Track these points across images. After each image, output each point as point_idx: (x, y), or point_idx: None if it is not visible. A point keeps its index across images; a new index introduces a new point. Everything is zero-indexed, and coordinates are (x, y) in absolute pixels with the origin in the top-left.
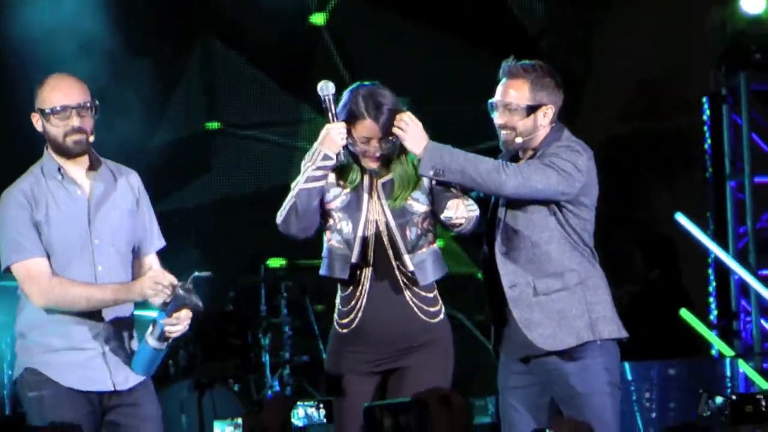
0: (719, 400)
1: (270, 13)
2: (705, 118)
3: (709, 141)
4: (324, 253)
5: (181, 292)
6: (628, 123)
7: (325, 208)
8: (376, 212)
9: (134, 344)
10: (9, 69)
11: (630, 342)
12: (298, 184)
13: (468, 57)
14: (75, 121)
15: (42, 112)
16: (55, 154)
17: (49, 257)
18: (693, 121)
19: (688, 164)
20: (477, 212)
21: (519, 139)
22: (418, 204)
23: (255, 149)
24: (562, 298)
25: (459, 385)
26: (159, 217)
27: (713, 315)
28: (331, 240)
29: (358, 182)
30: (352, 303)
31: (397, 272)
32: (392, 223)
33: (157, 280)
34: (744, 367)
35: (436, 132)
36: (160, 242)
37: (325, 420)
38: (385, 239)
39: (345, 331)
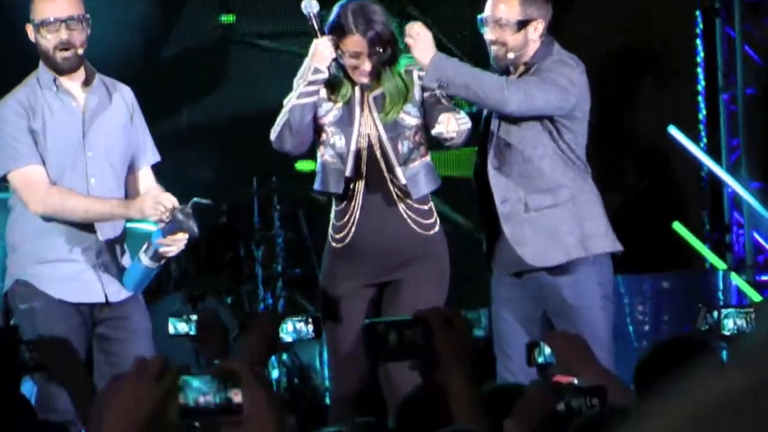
0: (717, 314)
1: None
2: (698, 30)
3: (701, 54)
4: (317, 168)
5: (179, 215)
6: (620, 36)
7: (318, 123)
8: (368, 126)
9: (125, 260)
10: None
11: (623, 255)
12: (290, 101)
13: None
14: (64, 35)
15: (34, 23)
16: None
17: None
18: (685, 33)
19: (680, 77)
20: (468, 125)
21: (510, 55)
22: (410, 117)
23: (274, 60)
24: (553, 214)
25: (453, 297)
26: (175, 132)
27: (706, 228)
28: (324, 155)
29: (349, 96)
30: (346, 217)
31: (390, 185)
32: (384, 137)
33: (159, 200)
34: (736, 280)
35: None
36: (154, 157)
37: (313, 335)
38: (378, 153)
39: (339, 245)
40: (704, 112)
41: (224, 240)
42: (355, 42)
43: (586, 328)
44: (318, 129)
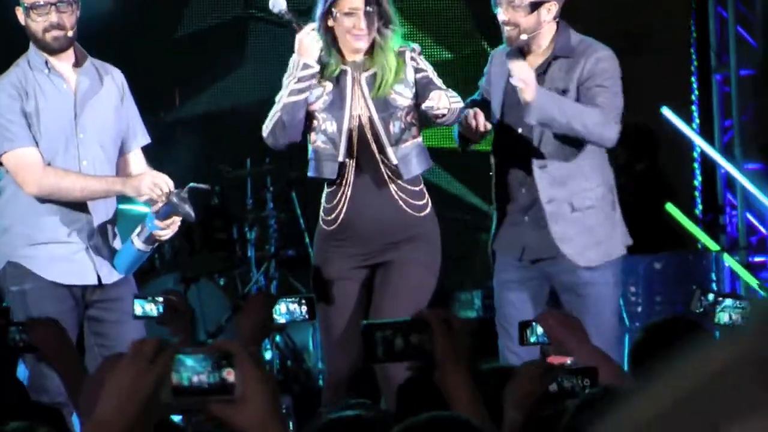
0: (712, 297)
1: None
2: (691, 11)
3: (694, 34)
4: (310, 154)
5: (175, 199)
6: (613, 17)
7: (309, 110)
8: (359, 107)
9: (116, 242)
10: None
11: None
12: (282, 98)
13: None
14: (53, 17)
15: (23, 6)
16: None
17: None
18: (679, 14)
19: (673, 58)
20: (460, 105)
21: (523, 36)
22: (401, 98)
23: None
24: (593, 215)
25: (446, 279)
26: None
27: (699, 209)
28: (316, 141)
29: (340, 79)
30: (336, 198)
31: (381, 166)
32: (375, 117)
33: (157, 182)
34: (729, 261)
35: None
36: (144, 138)
37: (307, 316)
38: (369, 133)
39: (331, 228)
40: (697, 93)
41: (217, 221)
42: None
43: (596, 304)
44: (309, 116)
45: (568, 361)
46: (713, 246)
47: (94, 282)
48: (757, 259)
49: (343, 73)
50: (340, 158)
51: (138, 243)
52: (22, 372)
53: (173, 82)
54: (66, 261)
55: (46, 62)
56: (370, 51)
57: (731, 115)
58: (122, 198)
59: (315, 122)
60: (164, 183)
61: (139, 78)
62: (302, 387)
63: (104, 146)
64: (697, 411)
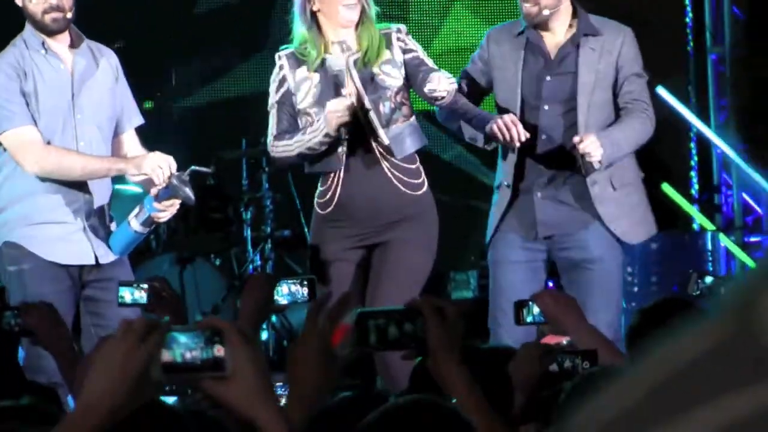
0: (709, 279)
1: None
2: None
3: (690, 14)
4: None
5: (175, 181)
6: None
7: (299, 111)
8: (347, 90)
9: (112, 225)
10: None
11: None
12: (297, 145)
13: None
14: None
15: None
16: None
17: None
18: None
19: (669, 37)
20: (456, 86)
21: (545, 12)
22: (390, 78)
23: None
24: (631, 192)
25: (442, 258)
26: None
27: (695, 189)
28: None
29: (327, 66)
30: (329, 181)
31: (373, 145)
32: (365, 99)
33: (160, 163)
34: (725, 241)
35: None
36: (138, 119)
37: (308, 298)
38: (360, 115)
39: (326, 210)
40: (693, 72)
41: (213, 201)
42: None
43: (607, 280)
44: (300, 115)
45: (564, 341)
46: (709, 226)
47: (92, 262)
48: (753, 238)
49: (328, 61)
50: (341, 146)
51: (135, 225)
52: (19, 352)
53: (171, 63)
54: (64, 241)
55: (43, 43)
56: (355, 28)
57: (727, 95)
58: (117, 178)
59: (307, 118)
60: (167, 165)
61: (136, 58)
62: None
63: (101, 126)
64: (666, 401)
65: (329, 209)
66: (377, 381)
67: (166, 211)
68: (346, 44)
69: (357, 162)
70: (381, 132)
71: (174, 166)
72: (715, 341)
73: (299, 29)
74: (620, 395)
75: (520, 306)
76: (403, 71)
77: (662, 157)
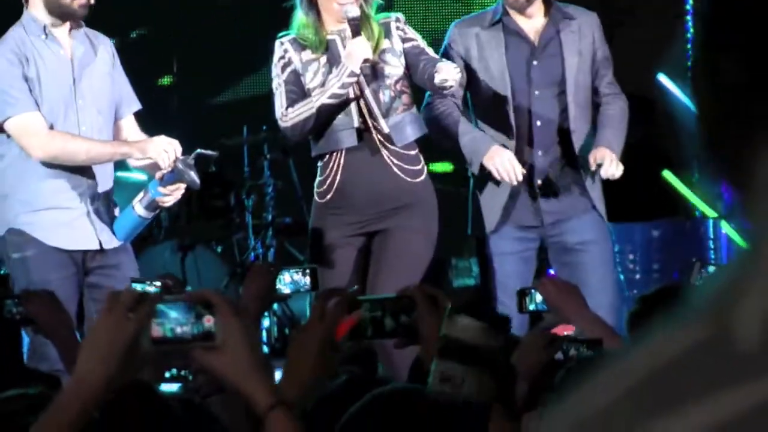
0: (712, 269)
1: None
2: None
3: (689, 1)
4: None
5: (181, 166)
6: None
7: (309, 90)
8: None
9: (115, 210)
10: None
11: (613, 204)
12: (319, 98)
13: None
14: None
15: None
16: (48, 15)
17: None
18: None
19: (669, 24)
20: (462, 74)
21: None
22: (390, 67)
23: None
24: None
25: (444, 245)
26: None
27: (696, 176)
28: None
29: (331, 49)
30: (328, 169)
31: (373, 132)
32: (365, 87)
33: (166, 147)
34: (726, 228)
35: None
36: (135, 104)
37: (310, 287)
38: (360, 102)
39: (326, 198)
40: (692, 59)
41: (215, 188)
42: None
43: (602, 261)
44: (309, 94)
45: (570, 332)
46: (711, 213)
47: (96, 247)
48: None
49: (332, 43)
50: (356, 123)
51: (139, 209)
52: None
53: (172, 48)
54: (68, 227)
55: (44, 28)
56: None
57: None
58: (119, 165)
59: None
60: (173, 149)
61: (137, 44)
62: None
63: (102, 112)
64: (641, 402)
65: (329, 196)
66: (379, 369)
67: (171, 195)
68: (344, 34)
69: (357, 150)
70: (381, 121)
71: (179, 149)
72: (691, 344)
73: (299, 17)
74: (595, 394)
75: (522, 294)
76: (403, 60)
77: (663, 144)
